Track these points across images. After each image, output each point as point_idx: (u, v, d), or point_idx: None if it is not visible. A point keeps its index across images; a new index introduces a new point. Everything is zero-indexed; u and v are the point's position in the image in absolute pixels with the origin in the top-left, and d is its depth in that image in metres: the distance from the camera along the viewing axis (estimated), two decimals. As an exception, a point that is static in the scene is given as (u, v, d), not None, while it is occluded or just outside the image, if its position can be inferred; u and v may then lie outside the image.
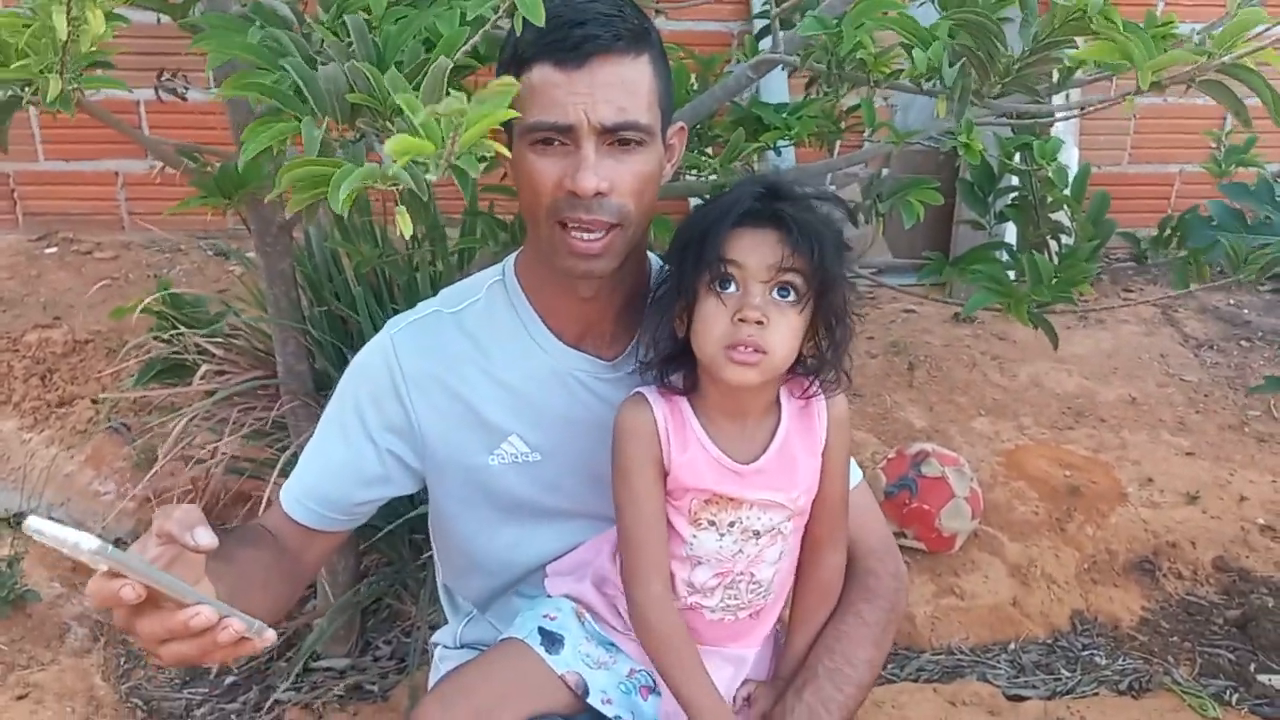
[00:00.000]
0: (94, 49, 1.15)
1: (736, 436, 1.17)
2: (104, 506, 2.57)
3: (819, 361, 1.16)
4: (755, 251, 1.09)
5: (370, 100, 1.06)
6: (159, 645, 0.92)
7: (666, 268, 1.19)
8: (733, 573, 1.20)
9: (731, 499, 1.17)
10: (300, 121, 1.07)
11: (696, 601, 1.21)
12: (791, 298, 1.10)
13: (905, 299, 3.53)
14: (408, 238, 0.99)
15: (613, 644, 1.28)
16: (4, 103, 1.31)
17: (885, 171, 3.43)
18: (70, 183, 3.59)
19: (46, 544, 0.80)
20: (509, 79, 0.95)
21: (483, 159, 0.89)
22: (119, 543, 2.51)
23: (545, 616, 1.28)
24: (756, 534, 1.19)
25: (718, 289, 1.10)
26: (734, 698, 1.27)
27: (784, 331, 1.10)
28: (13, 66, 1.14)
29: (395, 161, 0.87)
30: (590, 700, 1.24)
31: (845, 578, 1.30)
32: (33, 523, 0.80)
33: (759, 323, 1.08)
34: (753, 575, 1.21)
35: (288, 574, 1.27)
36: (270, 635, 0.94)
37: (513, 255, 1.32)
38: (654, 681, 1.27)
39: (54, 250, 3.56)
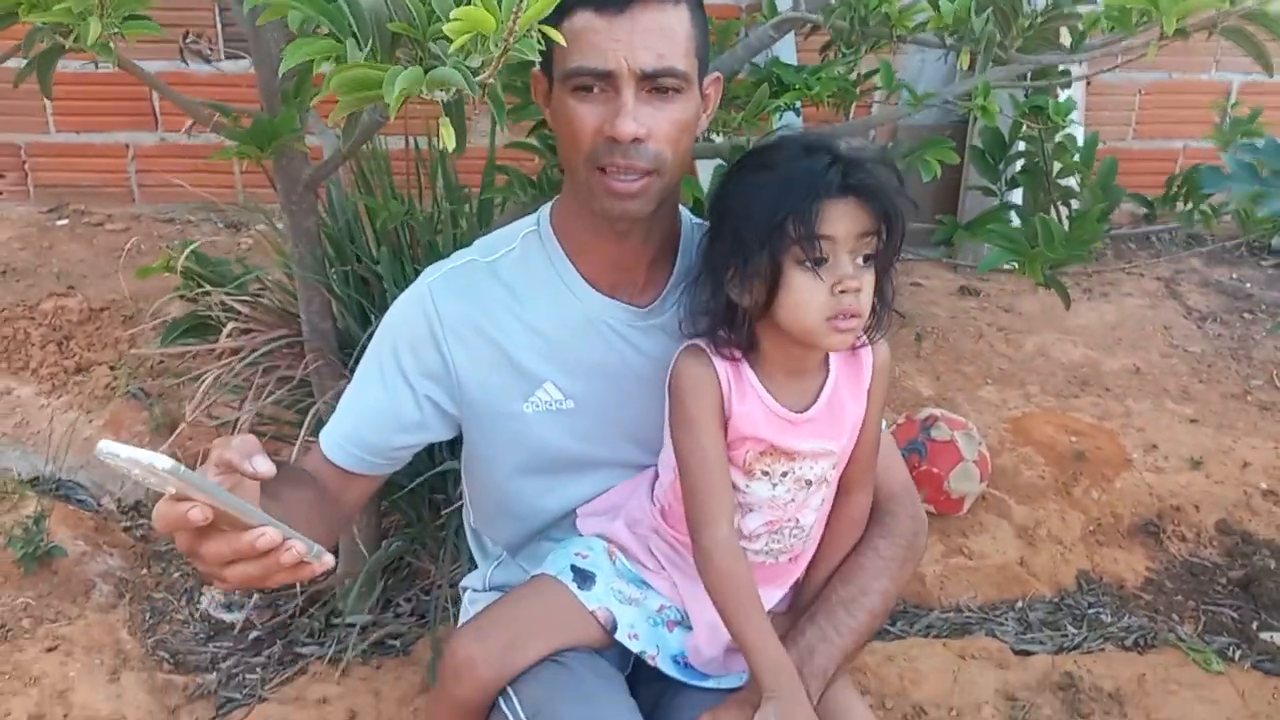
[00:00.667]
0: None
1: (790, 388, 1.21)
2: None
3: (876, 311, 1.20)
4: (844, 223, 1.11)
5: (410, 30, 1.08)
6: (224, 567, 0.95)
7: (708, 233, 1.21)
8: (781, 520, 1.24)
9: (785, 451, 1.20)
10: (341, 43, 1.08)
11: (743, 546, 1.24)
12: (869, 261, 1.14)
13: (913, 271, 3.56)
14: (450, 150, 1.01)
15: (644, 581, 1.32)
16: (47, 51, 1.34)
17: (891, 145, 3.46)
18: (81, 155, 3.61)
19: (121, 466, 0.82)
20: None
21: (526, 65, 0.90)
22: (138, 506, 2.54)
23: (578, 555, 1.32)
24: (808, 483, 1.22)
25: (811, 265, 1.12)
26: None
27: (869, 293, 1.15)
28: (55, 9, 1.17)
29: (452, 42, 0.88)
30: (618, 635, 1.27)
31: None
32: (105, 446, 0.82)
33: (857, 290, 1.12)
34: (798, 521, 1.25)
35: (328, 515, 1.30)
36: (329, 559, 0.96)
37: (548, 205, 1.35)
38: (681, 616, 1.30)
39: (65, 222, 3.59)
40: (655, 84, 1.15)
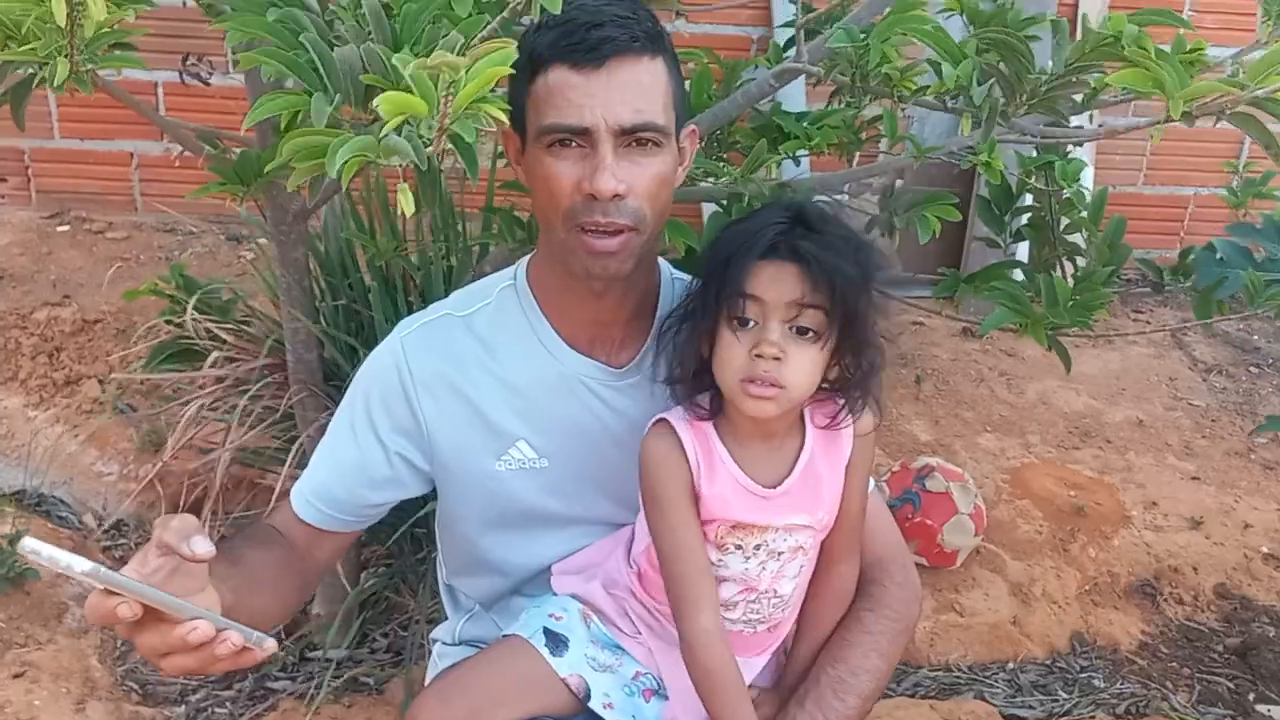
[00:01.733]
0: (106, 32, 1.14)
1: (762, 458, 1.17)
2: (106, 487, 2.57)
3: (845, 387, 1.16)
4: (774, 287, 1.08)
5: (383, 82, 1.06)
6: (160, 658, 0.93)
7: (691, 283, 1.19)
8: (757, 590, 1.20)
9: (759, 526, 1.16)
10: (310, 96, 1.06)
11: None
12: (810, 335, 1.09)
13: (914, 312, 3.52)
14: (409, 215, 0.99)
15: (619, 646, 1.28)
16: (20, 83, 1.31)
17: (899, 183, 3.43)
18: (84, 161, 3.59)
19: (42, 564, 0.83)
20: (504, 39, 0.95)
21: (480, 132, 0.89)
22: (119, 526, 2.51)
23: (551, 616, 1.28)
24: (781, 554, 1.19)
25: (736, 324, 1.10)
26: None
27: (803, 366, 1.10)
28: (19, 49, 1.14)
29: (387, 123, 0.87)
30: (591, 704, 1.23)
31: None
32: (28, 543, 0.83)
33: (775, 359, 1.08)
34: (775, 591, 1.21)
35: (297, 573, 1.27)
36: (271, 645, 0.95)
37: (525, 259, 1.32)
38: (658, 684, 1.26)
39: (66, 228, 3.56)
40: (634, 139, 1.12)
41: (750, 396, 1.10)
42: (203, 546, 0.92)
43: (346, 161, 0.90)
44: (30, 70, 1.20)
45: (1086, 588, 2.48)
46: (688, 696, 1.22)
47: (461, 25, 1.15)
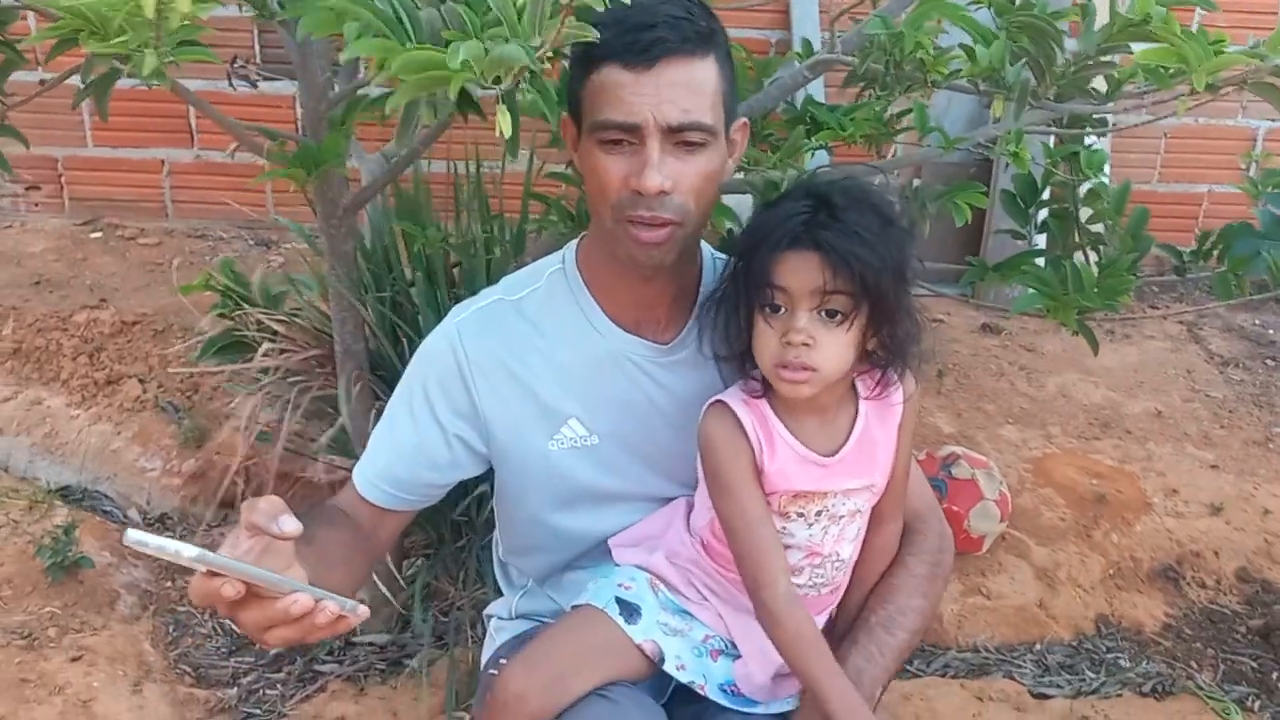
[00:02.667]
0: (185, 26, 1.20)
1: (818, 430, 1.22)
2: (149, 482, 2.64)
3: (885, 357, 1.21)
4: (798, 276, 1.13)
5: (464, 38, 1.10)
6: (263, 632, 0.98)
7: (729, 262, 1.24)
8: (821, 554, 1.25)
9: (819, 493, 1.22)
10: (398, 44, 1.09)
11: None
12: (838, 318, 1.14)
13: (934, 308, 3.58)
14: (507, 136, 1.02)
15: (687, 612, 1.33)
16: (104, 76, 1.37)
17: (917, 182, 3.48)
18: (116, 169, 3.66)
19: (150, 553, 0.87)
20: None
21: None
22: (163, 519, 2.57)
23: (621, 586, 1.32)
24: (842, 516, 1.25)
25: (767, 311, 1.16)
26: None
27: (833, 348, 1.15)
28: (113, 41, 1.20)
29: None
30: (665, 667, 1.28)
31: None
32: (133, 535, 0.86)
33: (805, 345, 1.13)
34: (838, 554, 1.27)
35: (364, 551, 1.33)
36: (364, 611, 0.99)
37: (573, 243, 1.37)
38: (725, 645, 1.31)
39: (99, 235, 3.64)
40: (681, 137, 1.16)
41: (785, 381, 1.16)
42: (290, 524, 0.97)
43: (461, 65, 0.92)
44: (113, 65, 1.27)
45: (1110, 572, 2.53)
46: (760, 656, 1.28)
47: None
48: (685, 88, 1.15)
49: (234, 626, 0.99)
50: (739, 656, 1.30)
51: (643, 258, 1.22)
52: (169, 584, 2.33)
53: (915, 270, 1.19)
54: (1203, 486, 2.79)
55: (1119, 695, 2.20)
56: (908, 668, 2.23)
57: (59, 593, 2.16)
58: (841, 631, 1.33)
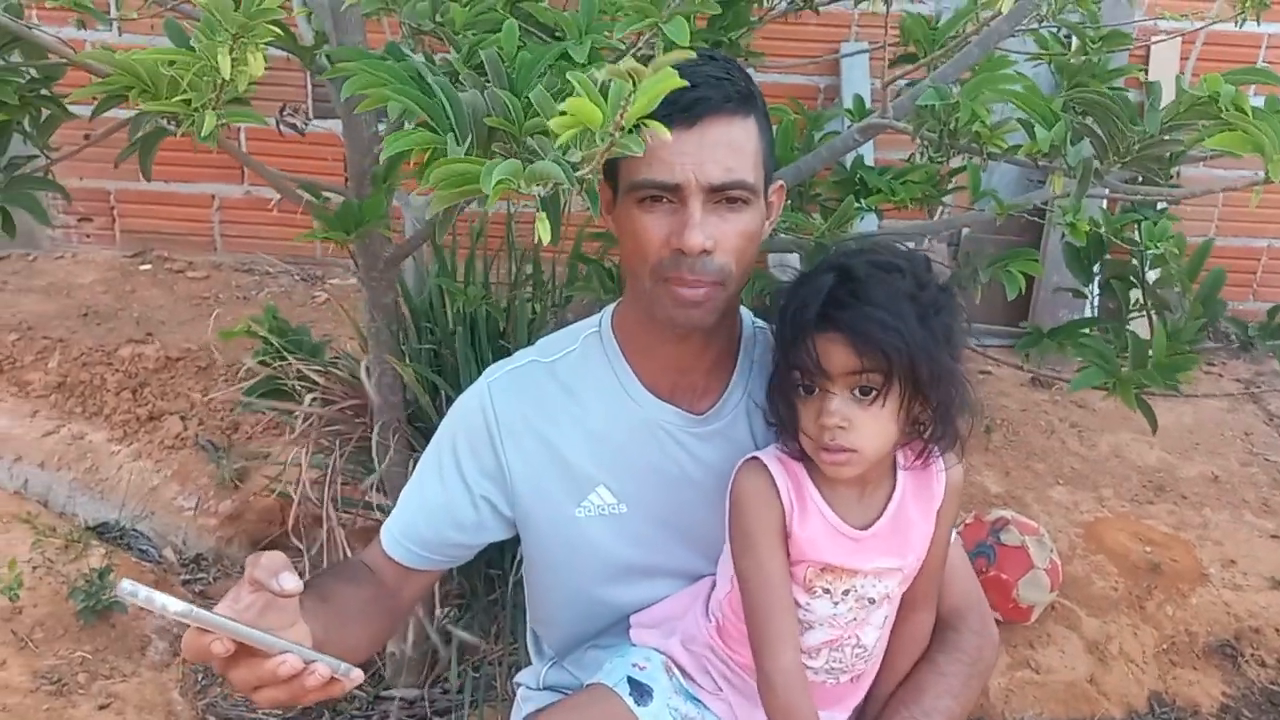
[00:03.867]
0: (250, 87, 1.20)
1: (854, 501, 1.18)
2: (185, 521, 2.64)
3: (927, 427, 1.16)
4: (827, 360, 1.10)
5: (506, 124, 1.09)
6: (253, 691, 0.96)
7: (769, 329, 1.21)
8: (842, 639, 1.20)
9: (848, 570, 1.17)
10: (440, 136, 1.08)
11: (804, 663, 1.20)
12: (873, 395, 1.11)
13: (980, 360, 3.50)
14: (546, 243, 1.00)
15: (700, 700, 1.28)
16: (151, 134, 1.37)
17: (966, 231, 3.42)
18: (167, 203, 3.70)
19: (140, 604, 0.86)
20: (674, 54, 0.96)
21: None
22: (198, 560, 2.56)
23: (635, 666, 1.29)
24: (871, 600, 1.19)
25: (802, 394, 1.14)
26: None
27: (871, 427, 1.11)
28: (172, 100, 1.19)
29: (560, 135, 0.89)
30: None
31: None
32: (126, 585, 0.86)
33: (840, 428, 1.10)
34: (858, 639, 1.21)
35: (386, 609, 1.30)
36: (357, 675, 0.97)
37: (610, 307, 1.34)
38: None
39: (148, 267, 3.68)
40: (724, 195, 1.15)
41: (826, 463, 1.13)
42: (290, 582, 0.95)
43: (498, 184, 0.92)
44: (159, 123, 1.26)
45: (1164, 647, 2.43)
46: None
47: (579, 70, 1.18)
48: (727, 147, 1.14)
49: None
50: None
51: (682, 319, 1.19)
52: (201, 630, 2.31)
53: (959, 334, 1.15)
54: (1262, 557, 2.69)
55: (1172, 780, 2.11)
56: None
57: (90, 636, 2.16)
58: None
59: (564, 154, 0.89)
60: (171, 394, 2.92)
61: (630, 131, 0.89)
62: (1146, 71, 3.58)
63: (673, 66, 0.99)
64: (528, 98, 1.09)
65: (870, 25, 3.58)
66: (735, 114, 1.15)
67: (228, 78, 1.05)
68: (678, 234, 1.14)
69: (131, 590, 0.85)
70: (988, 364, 3.49)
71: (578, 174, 0.88)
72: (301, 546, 2.05)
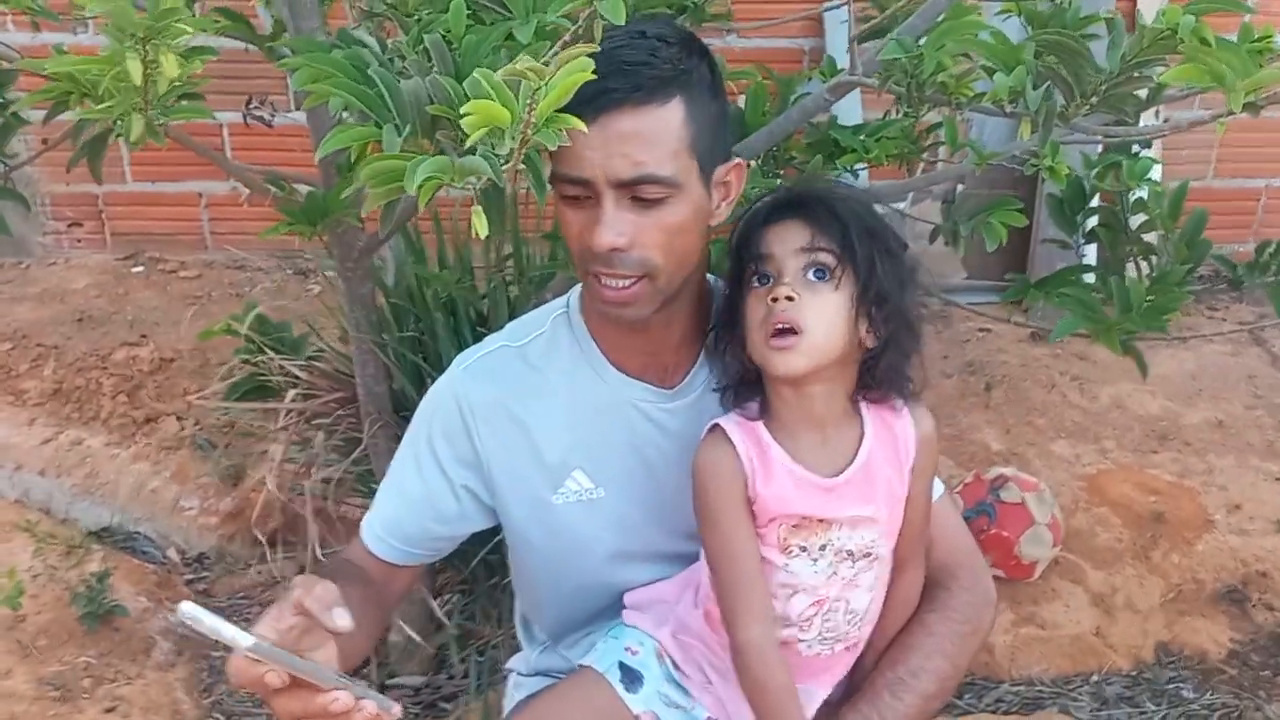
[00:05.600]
0: (176, 86, 1.18)
1: (817, 449, 1.15)
2: (187, 522, 2.64)
3: (878, 352, 1.15)
4: (782, 239, 1.12)
5: (449, 112, 1.06)
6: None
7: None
8: (828, 599, 1.17)
9: (820, 520, 1.15)
10: (380, 128, 1.07)
11: (793, 635, 1.18)
12: (825, 276, 1.11)
13: (979, 318, 3.47)
14: (482, 237, 0.99)
15: (689, 692, 1.27)
16: (95, 138, 1.36)
17: (960, 188, 3.38)
18: (155, 204, 3.69)
19: (203, 633, 0.88)
20: (584, 45, 0.95)
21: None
22: (201, 559, 2.56)
23: (627, 650, 1.27)
24: (850, 554, 1.16)
25: (756, 284, 1.13)
26: None
27: (819, 308, 1.10)
28: (98, 108, 1.18)
29: (470, 135, 0.88)
30: None
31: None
32: (187, 609, 0.87)
33: (789, 299, 1.09)
34: (848, 603, 1.19)
35: (377, 606, 1.29)
36: (397, 710, 0.98)
37: (578, 287, 1.31)
38: None
39: (140, 269, 3.67)
40: (634, 192, 1.09)
41: (774, 349, 1.10)
42: (344, 621, 0.95)
43: (424, 182, 0.91)
44: (105, 126, 1.24)
45: (1171, 596, 2.42)
46: None
47: (524, 52, 1.16)
48: (636, 139, 1.07)
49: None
50: None
51: (613, 314, 1.17)
52: (204, 628, 2.32)
53: (911, 274, 1.16)
54: (1267, 500, 2.66)
55: (1183, 729, 2.10)
56: (957, 702, 2.15)
57: (94, 641, 2.17)
58: (852, 694, 1.26)
59: (492, 148, 0.88)
60: (167, 395, 2.92)
61: (546, 126, 0.87)
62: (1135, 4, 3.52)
63: (599, 46, 0.97)
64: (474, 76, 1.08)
65: (852, -16, 3.54)
66: (647, 103, 1.08)
67: (138, 83, 1.03)
68: (588, 231, 1.11)
69: (193, 615, 0.86)
70: (986, 322, 3.47)
71: (504, 167, 0.86)
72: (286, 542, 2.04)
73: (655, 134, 1.08)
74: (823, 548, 1.15)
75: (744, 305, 1.14)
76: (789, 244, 1.11)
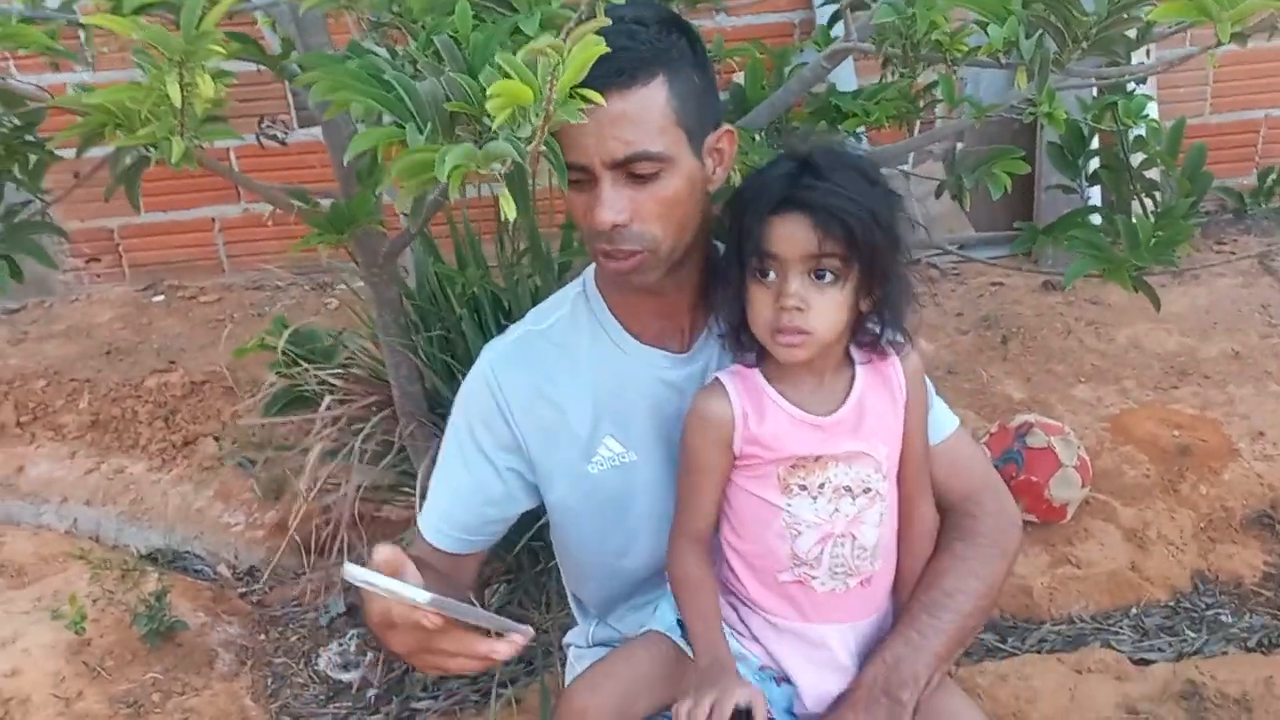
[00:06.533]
0: (208, 107, 1.23)
1: (813, 392, 1.21)
2: (234, 537, 2.70)
3: (878, 321, 1.19)
4: (787, 241, 1.12)
5: (467, 107, 1.11)
6: (449, 659, 1.08)
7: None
8: (834, 535, 1.22)
9: (817, 458, 1.20)
10: (403, 128, 1.12)
11: (805, 574, 1.23)
12: (830, 279, 1.14)
13: (992, 272, 3.50)
14: (511, 218, 1.04)
15: (741, 644, 1.32)
16: (134, 164, 1.41)
17: (960, 146, 3.41)
18: (170, 232, 3.75)
19: (375, 590, 0.98)
20: (594, 23, 0.98)
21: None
22: (252, 572, 2.62)
23: None
24: (849, 489, 1.21)
25: (759, 277, 1.16)
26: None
27: (827, 310, 1.14)
28: (140, 133, 1.23)
29: (496, 117, 0.92)
30: None
31: (942, 524, 1.33)
32: (355, 572, 0.97)
33: (798, 309, 1.13)
34: (855, 538, 1.23)
35: (454, 595, 1.35)
36: (530, 630, 1.07)
37: (592, 265, 1.37)
38: (783, 672, 1.30)
39: (161, 298, 3.73)
40: (629, 169, 1.15)
41: (782, 346, 1.15)
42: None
43: (454, 170, 0.95)
44: (140, 152, 1.29)
45: (1202, 525, 2.46)
46: (815, 688, 1.26)
47: (531, 42, 1.21)
48: (623, 120, 1.13)
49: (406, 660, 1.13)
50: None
51: (622, 284, 1.24)
52: (263, 637, 2.38)
53: (906, 233, 1.18)
54: (1290, 425, 2.70)
55: (1224, 653, 2.14)
56: (1001, 646, 2.20)
57: (159, 658, 2.23)
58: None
59: (514, 131, 0.92)
60: (202, 417, 2.99)
61: (567, 102, 0.91)
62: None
63: (608, 20, 1.01)
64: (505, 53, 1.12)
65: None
66: (631, 85, 1.13)
67: (179, 105, 1.08)
68: (592, 211, 1.17)
69: (365, 579, 0.97)
70: (998, 275, 3.49)
71: (529, 148, 0.90)
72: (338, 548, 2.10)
73: (642, 113, 1.14)
74: (821, 485, 1.21)
75: (746, 286, 1.17)
76: (795, 248, 1.12)
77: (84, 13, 1.37)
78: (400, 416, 2.04)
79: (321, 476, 2.18)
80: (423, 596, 0.97)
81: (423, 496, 2.06)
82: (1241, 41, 1.19)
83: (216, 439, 2.89)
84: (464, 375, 1.65)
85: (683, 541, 1.26)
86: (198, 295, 3.74)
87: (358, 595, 1.73)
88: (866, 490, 1.22)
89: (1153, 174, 1.96)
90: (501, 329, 2.04)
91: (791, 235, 1.12)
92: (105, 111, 1.23)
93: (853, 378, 1.23)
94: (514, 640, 1.04)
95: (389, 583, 0.97)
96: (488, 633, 1.08)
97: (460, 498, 1.36)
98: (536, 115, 0.92)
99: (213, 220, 3.74)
